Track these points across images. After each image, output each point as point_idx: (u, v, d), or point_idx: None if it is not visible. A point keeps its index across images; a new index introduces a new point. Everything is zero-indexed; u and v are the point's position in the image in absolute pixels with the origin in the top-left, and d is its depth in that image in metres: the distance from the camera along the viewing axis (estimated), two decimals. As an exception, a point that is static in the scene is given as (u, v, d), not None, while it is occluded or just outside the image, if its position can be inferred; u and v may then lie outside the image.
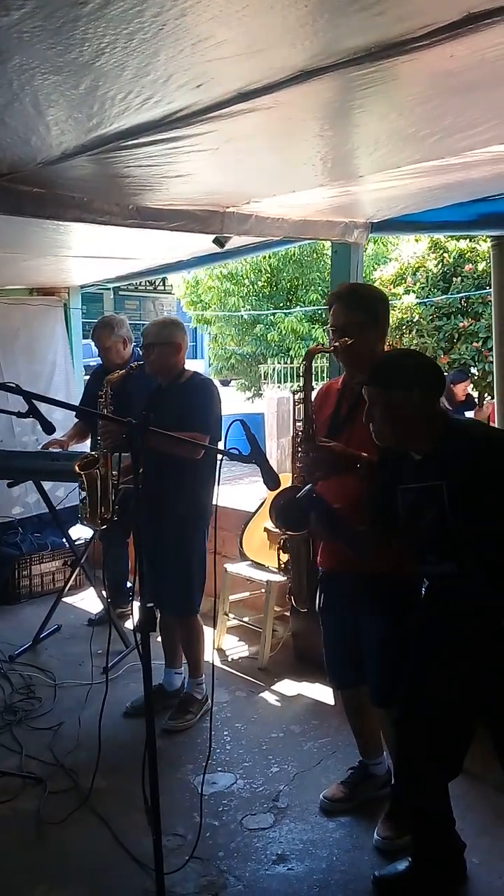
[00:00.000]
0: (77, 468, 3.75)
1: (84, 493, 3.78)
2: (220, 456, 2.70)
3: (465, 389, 7.73)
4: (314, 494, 2.49)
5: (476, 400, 7.96)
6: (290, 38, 1.67)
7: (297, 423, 2.69)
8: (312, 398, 2.74)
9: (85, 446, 4.86)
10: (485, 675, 2.25)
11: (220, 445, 3.44)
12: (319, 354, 2.84)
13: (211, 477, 3.48)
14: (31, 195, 2.95)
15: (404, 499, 2.32)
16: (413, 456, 2.31)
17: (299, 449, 2.66)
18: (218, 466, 2.83)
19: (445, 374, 8.20)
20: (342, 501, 2.52)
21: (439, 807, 2.46)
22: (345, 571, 2.69)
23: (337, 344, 2.67)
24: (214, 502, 3.52)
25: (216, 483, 3.49)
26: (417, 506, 2.28)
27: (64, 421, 4.96)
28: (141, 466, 2.32)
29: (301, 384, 2.75)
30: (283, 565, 2.80)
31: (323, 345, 2.91)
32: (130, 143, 2.35)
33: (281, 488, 2.72)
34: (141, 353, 3.80)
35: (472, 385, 8.20)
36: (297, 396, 2.73)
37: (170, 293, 15.37)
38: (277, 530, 4.36)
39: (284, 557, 2.79)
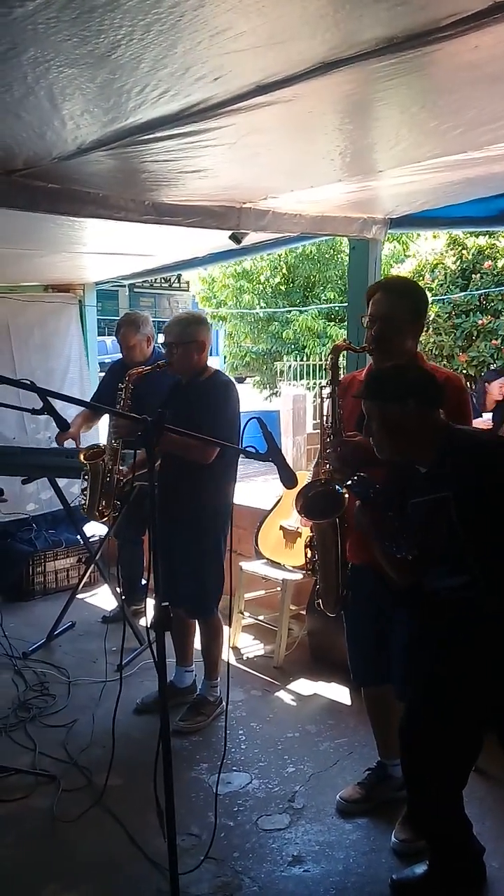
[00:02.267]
0: (82, 457, 3.75)
1: (86, 484, 3.78)
2: (237, 455, 2.68)
3: (500, 389, 7.21)
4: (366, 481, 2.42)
5: None
6: (310, 29, 1.64)
7: (326, 418, 2.67)
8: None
9: (93, 435, 4.86)
10: (494, 684, 2.22)
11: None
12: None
13: (227, 476, 3.44)
14: (47, 191, 2.94)
15: (416, 513, 2.30)
16: (419, 469, 2.28)
17: (327, 444, 2.63)
18: (235, 467, 2.82)
19: (465, 372, 8.07)
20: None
21: (451, 814, 2.42)
22: (371, 564, 2.65)
23: (369, 345, 2.63)
24: (231, 503, 3.50)
25: (233, 483, 3.48)
26: (426, 520, 2.25)
27: (78, 417, 4.96)
28: (155, 463, 2.29)
29: (328, 379, 2.72)
30: (310, 565, 2.77)
31: (348, 342, 2.86)
32: (147, 137, 2.33)
33: (308, 481, 2.74)
34: (163, 351, 3.76)
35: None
36: (325, 392, 2.70)
37: (185, 290, 15.39)
38: (293, 528, 4.37)
39: (311, 554, 2.77)
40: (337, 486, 2.59)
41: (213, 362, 3.76)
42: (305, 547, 2.80)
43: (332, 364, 2.72)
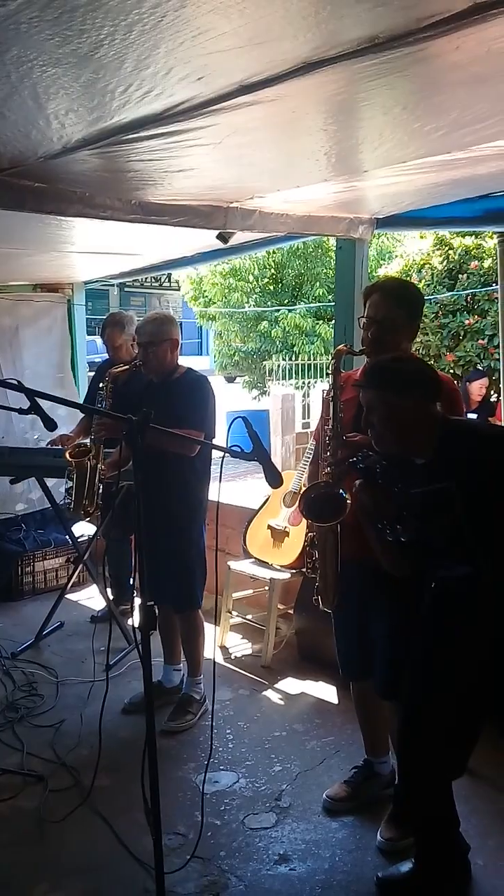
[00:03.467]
0: (68, 455, 3.75)
1: (70, 483, 3.78)
2: (217, 452, 2.68)
3: (480, 389, 7.23)
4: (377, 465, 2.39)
5: (494, 403, 7.34)
6: (292, 29, 1.64)
7: (326, 420, 2.69)
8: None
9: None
10: (495, 675, 2.23)
11: (217, 441, 3.43)
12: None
13: (205, 472, 3.48)
14: (33, 190, 2.94)
15: (414, 505, 2.29)
16: (417, 461, 2.29)
17: (328, 447, 2.65)
18: (220, 463, 2.81)
19: (451, 372, 8.11)
20: None
21: (443, 808, 2.44)
22: (357, 560, 2.66)
23: (366, 347, 2.65)
24: (211, 498, 3.53)
25: (213, 479, 3.52)
26: (427, 510, 2.25)
27: (67, 417, 4.95)
28: (141, 463, 2.29)
29: (330, 383, 2.74)
30: (311, 564, 2.78)
31: (348, 346, 2.88)
32: (132, 136, 2.33)
33: (312, 482, 2.76)
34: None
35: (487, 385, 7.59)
36: (326, 395, 2.71)
37: (176, 290, 15.35)
38: (281, 527, 4.37)
39: (311, 554, 2.78)
40: (340, 491, 2.59)
41: (203, 362, 3.76)
42: (306, 546, 2.80)
43: (334, 369, 2.73)
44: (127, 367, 3.84)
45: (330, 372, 2.76)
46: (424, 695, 2.33)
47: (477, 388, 7.18)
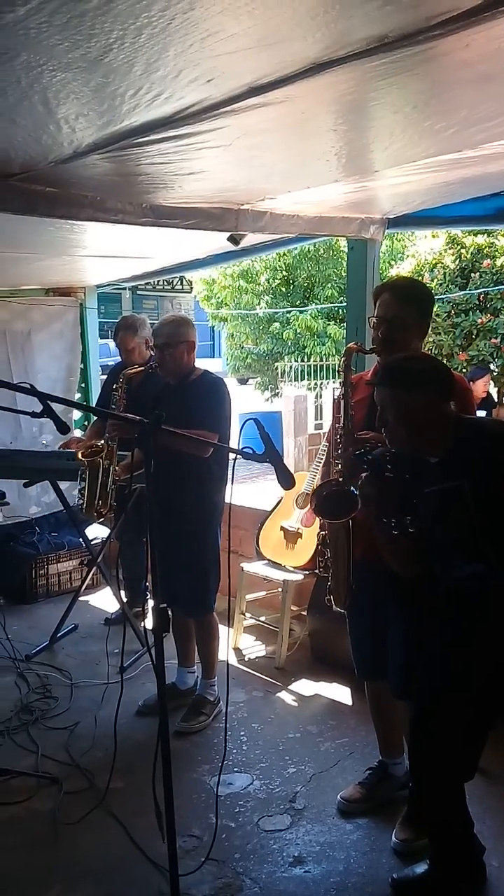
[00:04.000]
0: (80, 455, 3.76)
1: (83, 483, 3.79)
2: (232, 454, 2.68)
3: (484, 386, 7.39)
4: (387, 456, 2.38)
5: (496, 398, 7.64)
6: (302, 30, 1.65)
7: (338, 419, 2.68)
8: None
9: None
10: None
11: (231, 444, 3.42)
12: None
13: (221, 475, 3.47)
14: (44, 194, 2.95)
15: (427, 504, 2.28)
16: (430, 460, 2.28)
17: (339, 444, 2.65)
18: (231, 465, 2.81)
19: (464, 371, 8.10)
20: None
21: (455, 810, 2.42)
22: (370, 560, 2.66)
23: (376, 346, 2.64)
24: (227, 500, 3.52)
25: (229, 482, 3.50)
26: (441, 509, 2.24)
27: (80, 421, 4.97)
28: (152, 465, 2.30)
29: (341, 381, 2.74)
30: (322, 563, 2.77)
31: (359, 344, 2.87)
32: (142, 140, 2.34)
33: (324, 481, 2.75)
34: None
35: (491, 382, 7.82)
36: (337, 394, 2.71)
37: (188, 292, 15.35)
38: (294, 529, 4.37)
39: (324, 553, 2.78)
40: (352, 488, 2.59)
41: (216, 364, 3.76)
42: (318, 545, 2.79)
43: (345, 367, 2.73)
44: (142, 368, 3.85)
45: (341, 370, 2.76)
46: (440, 696, 2.32)
47: (481, 386, 7.32)
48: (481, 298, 8.83)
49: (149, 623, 2.33)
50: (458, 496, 2.16)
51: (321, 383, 11.59)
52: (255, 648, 4.53)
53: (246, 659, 4.41)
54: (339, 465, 2.66)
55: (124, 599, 4.51)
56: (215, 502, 3.52)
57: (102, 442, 3.78)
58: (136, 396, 3.90)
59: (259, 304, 13.24)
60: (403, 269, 9.89)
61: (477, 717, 2.29)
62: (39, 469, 4.56)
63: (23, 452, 4.75)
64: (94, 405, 4.92)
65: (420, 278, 9.09)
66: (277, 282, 13.07)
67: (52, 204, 3.00)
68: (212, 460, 3.37)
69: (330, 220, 3.89)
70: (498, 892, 2.48)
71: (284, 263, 12.87)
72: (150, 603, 2.38)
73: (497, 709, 2.31)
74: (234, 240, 3.78)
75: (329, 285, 12.76)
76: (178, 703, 3.67)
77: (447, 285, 9.01)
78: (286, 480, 2.47)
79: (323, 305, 12.60)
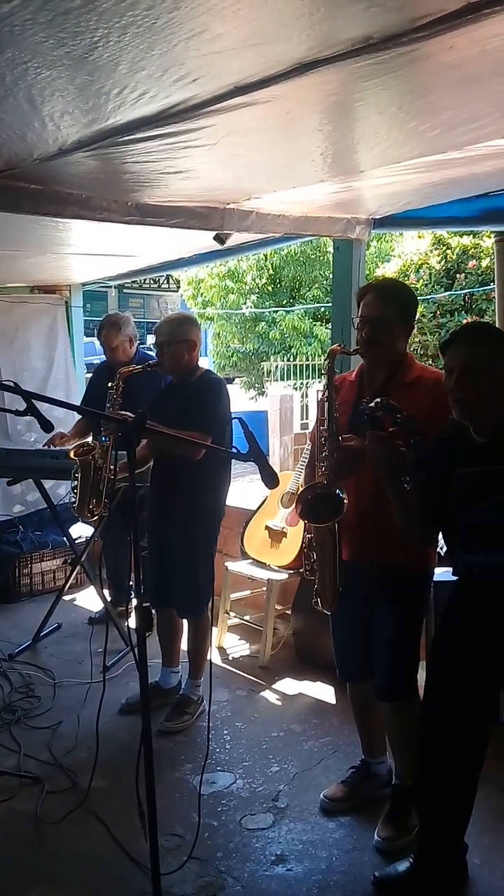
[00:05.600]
0: (72, 454, 3.75)
1: (76, 483, 3.77)
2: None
3: None
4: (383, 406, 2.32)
5: None
6: (287, 31, 1.65)
7: (322, 421, 2.68)
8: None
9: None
10: None
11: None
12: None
13: (219, 477, 3.46)
14: (29, 192, 2.94)
15: (459, 484, 2.24)
16: (474, 439, 2.22)
17: (324, 448, 2.65)
18: (229, 466, 2.83)
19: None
20: (369, 486, 2.50)
21: (458, 807, 2.41)
22: (358, 561, 2.67)
23: (360, 347, 2.65)
24: (225, 503, 3.53)
25: (227, 483, 3.52)
26: (476, 491, 2.19)
27: (64, 419, 4.96)
28: (135, 463, 2.29)
29: (325, 383, 2.74)
30: (309, 566, 2.77)
31: (342, 345, 2.88)
32: (127, 138, 2.33)
33: (308, 484, 2.75)
34: (155, 351, 3.76)
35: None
36: (320, 396, 2.71)
37: (174, 291, 15.31)
38: (279, 528, 4.37)
39: (310, 556, 2.77)
40: (337, 490, 2.59)
41: (202, 362, 3.76)
42: (304, 549, 2.79)
43: (329, 368, 2.73)
44: (140, 367, 3.83)
45: (324, 372, 2.76)
46: (447, 691, 2.31)
47: None
48: (467, 299, 8.88)
49: (132, 622, 2.32)
50: (493, 480, 2.14)
51: (307, 383, 11.60)
52: (239, 647, 4.53)
53: (230, 658, 4.41)
54: (324, 467, 2.66)
55: (108, 599, 4.50)
56: (213, 504, 3.51)
57: (92, 440, 3.77)
58: (129, 395, 3.88)
59: (245, 303, 13.24)
60: (389, 269, 9.93)
61: (480, 705, 2.29)
62: (25, 467, 4.54)
63: (14, 451, 4.71)
64: (79, 403, 4.89)
65: (406, 279, 9.14)
66: (264, 281, 13.09)
67: (37, 201, 2.99)
68: (209, 462, 3.33)
69: (316, 220, 3.89)
70: (479, 890, 2.50)
71: (271, 264, 12.88)
72: (134, 602, 2.37)
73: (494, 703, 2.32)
74: (219, 239, 3.79)
75: (316, 286, 12.79)
76: (161, 703, 3.66)
77: (433, 286, 9.06)
78: (270, 480, 2.48)
79: (309, 306, 12.62)
